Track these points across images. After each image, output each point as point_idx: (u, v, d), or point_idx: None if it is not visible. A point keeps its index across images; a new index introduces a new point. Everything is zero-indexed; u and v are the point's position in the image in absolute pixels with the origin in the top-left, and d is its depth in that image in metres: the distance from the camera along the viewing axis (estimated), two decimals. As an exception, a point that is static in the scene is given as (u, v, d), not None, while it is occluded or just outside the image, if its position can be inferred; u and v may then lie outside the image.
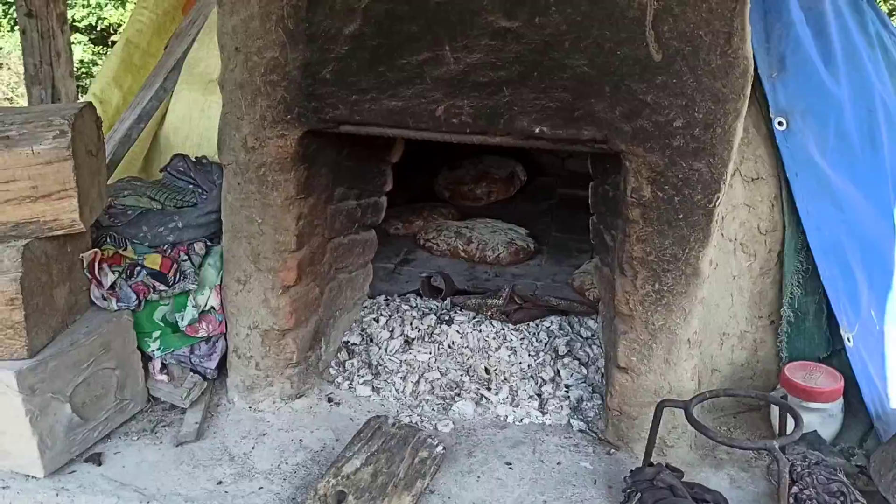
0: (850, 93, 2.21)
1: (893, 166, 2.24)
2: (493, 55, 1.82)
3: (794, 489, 1.78)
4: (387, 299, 2.50)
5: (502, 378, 2.22)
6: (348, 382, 2.23)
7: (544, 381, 2.23)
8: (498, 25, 1.80)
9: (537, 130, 1.85)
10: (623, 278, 1.95)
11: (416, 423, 2.06)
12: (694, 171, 1.81)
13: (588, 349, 2.31)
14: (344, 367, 2.29)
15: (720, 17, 1.70)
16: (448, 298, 2.46)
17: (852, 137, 2.18)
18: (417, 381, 2.20)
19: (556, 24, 1.77)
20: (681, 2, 1.69)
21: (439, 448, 1.83)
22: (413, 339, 2.31)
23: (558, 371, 2.25)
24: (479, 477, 1.88)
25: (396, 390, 2.20)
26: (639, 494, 1.79)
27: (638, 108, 1.78)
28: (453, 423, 2.08)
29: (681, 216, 1.84)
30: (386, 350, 2.29)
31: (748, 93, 1.79)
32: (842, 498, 1.76)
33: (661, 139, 1.79)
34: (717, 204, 1.84)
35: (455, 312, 2.38)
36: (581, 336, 2.35)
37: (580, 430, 2.10)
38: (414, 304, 2.45)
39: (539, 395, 2.20)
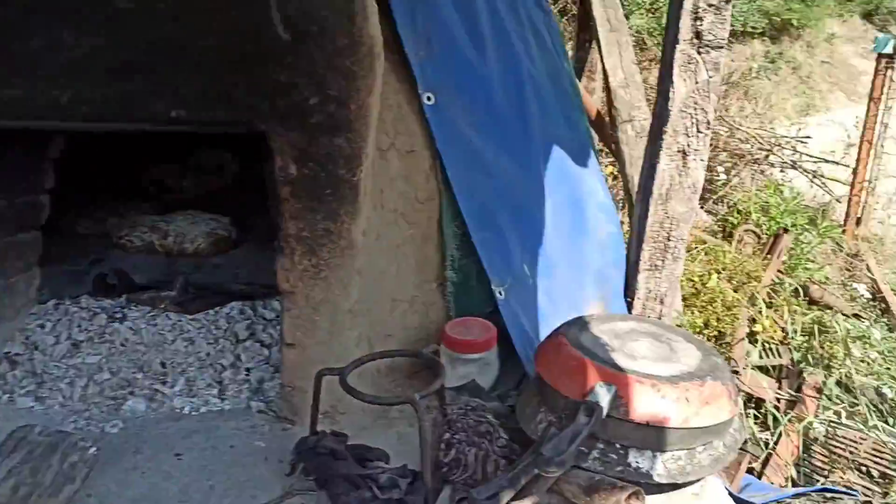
0: (499, 70, 2.40)
1: (542, 134, 2.48)
2: (119, 38, 1.76)
3: (447, 435, 1.93)
4: (56, 303, 2.35)
5: (179, 370, 2.17)
6: (8, 396, 2.07)
7: (224, 368, 2.21)
8: (119, 6, 1.74)
9: (174, 115, 1.82)
10: (282, 256, 1.98)
11: (82, 427, 1.96)
12: (335, 146, 1.87)
13: (272, 330, 2.33)
14: (5, 379, 2.12)
15: (341, -2, 1.78)
16: (123, 295, 2.37)
17: (502, 110, 2.37)
18: (86, 385, 2.09)
19: (183, 5, 1.75)
20: (301, -18, 1.75)
21: (92, 450, 1.75)
22: (81, 342, 2.19)
23: (238, 356, 2.25)
24: (143, 472, 1.82)
25: (63, 397, 2.07)
26: (302, 464, 1.85)
27: (274, 88, 1.81)
28: (123, 422, 2.00)
29: (328, 191, 1.91)
30: (51, 356, 2.15)
31: (379, 70, 1.89)
32: (488, 437, 1.93)
33: (300, 117, 1.84)
34: (361, 177, 1.92)
35: (129, 309, 2.29)
36: (264, 318, 2.36)
37: (259, 411, 2.12)
38: (84, 306, 2.33)
39: (219, 383, 2.18)
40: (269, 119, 1.84)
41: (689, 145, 2.58)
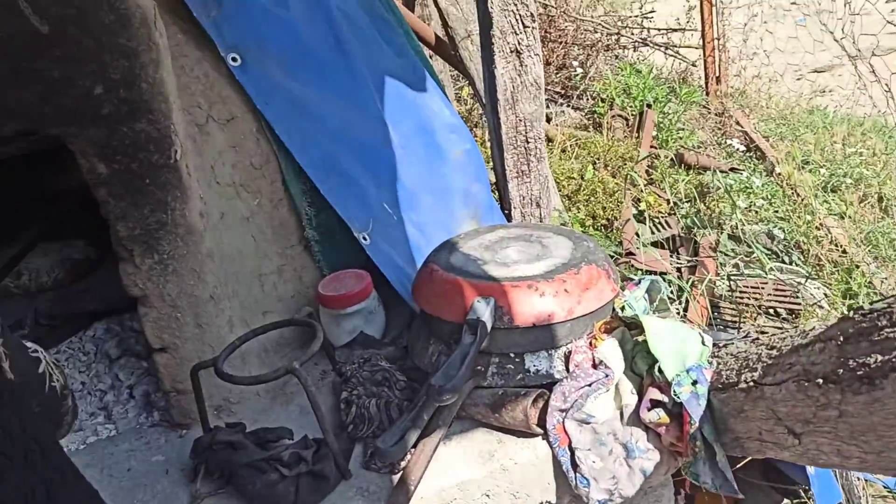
0: (304, 12, 2.27)
1: (369, 68, 2.38)
2: None
3: (344, 394, 1.86)
4: None
5: (56, 408, 2.03)
6: None
7: (104, 392, 2.08)
8: None
9: (-49, 143, 1.65)
10: (122, 262, 1.85)
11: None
12: (139, 132, 1.73)
13: (145, 341, 2.20)
14: None
15: (92, -29, 1.62)
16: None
17: (318, 53, 2.25)
18: (-47, 453, 1.93)
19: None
20: (41, -36, 1.58)
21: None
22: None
23: (117, 375, 2.11)
24: (33, 524, 1.70)
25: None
26: (203, 465, 1.76)
27: (50, 88, 1.65)
28: (2, 479, 1.86)
29: (147, 181, 1.77)
30: None
31: (160, 40, 1.74)
32: (387, 384, 1.88)
33: (89, 111, 1.68)
34: (178, 157, 1.79)
35: (-17, 361, 2.12)
36: (134, 330, 2.22)
37: (153, 425, 2.00)
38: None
39: (104, 408, 2.05)
40: (58, 121, 1.68)
41: (519, 43, 2.54)
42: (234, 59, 2.08)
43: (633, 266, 3.35)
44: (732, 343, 1.73)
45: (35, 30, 1.60)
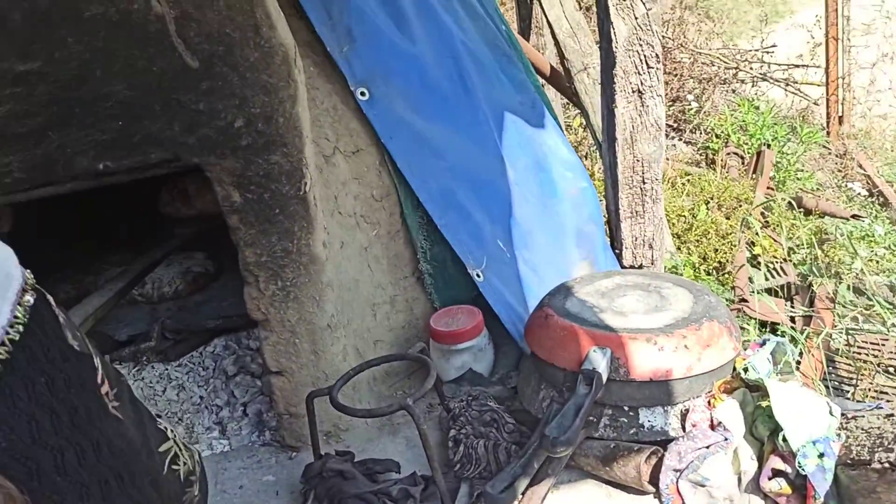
0: (430, 47, 2.31)
1: (489, 103, 2.40)
2: (24, 102, 1.68)
3: (452, 432, 1.87)
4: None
5: (176, 419, 2.12)
6: None
7: (220, 408, 2.16)
8: (17, 70, 1.65)
9: (101, 167, 1.75)
10: (248, 286, 1.91)
11: (83, 501, 1.91)
12: (273, 165, 1.80)
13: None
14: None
15: (240, 11, 1.69)
16: (106, 356, 2.31)
17: (441, 88, 2.29)
18: (80, 456, 2.04)
19: (80, 55, 1.66)
20: (196, 5, 1.66)
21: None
22: (68, 413, 2.13)
23: (232, 392, 2.19)
24: (150, 535, 1.78)
25: (60, 473, 2.02)
26: (313, 490, 1.79)
27: (195, 119, 1.73)
28: (123, 486, 1.95)
29: (277, 211, 1.83)
30: (40, 434, 2.10)
31: (299, 77, 1.81)
32: (495, 425, 1.87)
33: (229, 143, 1.76)
34: (307, 189, 1.85)
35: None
36: (251, 349, 2.30)
37: (264, 444, 2.06)
38: (65, 375, 2.27)
39: (219, 423, 2.13)
40: (199, 151, 1.76)
41: (642, 83, 2.50)
42: (362, 94, 2.13)
43: (745, 314, 3.23)
44: (862, 416, 1.64)
45: (186, 65, 1.68)
